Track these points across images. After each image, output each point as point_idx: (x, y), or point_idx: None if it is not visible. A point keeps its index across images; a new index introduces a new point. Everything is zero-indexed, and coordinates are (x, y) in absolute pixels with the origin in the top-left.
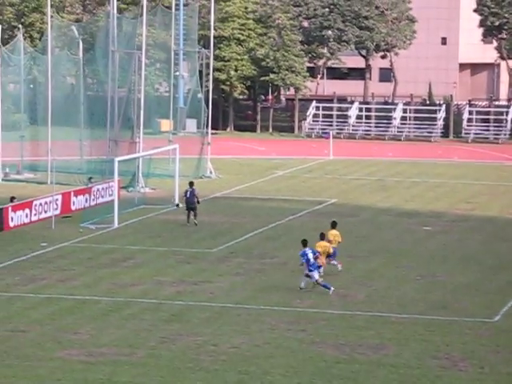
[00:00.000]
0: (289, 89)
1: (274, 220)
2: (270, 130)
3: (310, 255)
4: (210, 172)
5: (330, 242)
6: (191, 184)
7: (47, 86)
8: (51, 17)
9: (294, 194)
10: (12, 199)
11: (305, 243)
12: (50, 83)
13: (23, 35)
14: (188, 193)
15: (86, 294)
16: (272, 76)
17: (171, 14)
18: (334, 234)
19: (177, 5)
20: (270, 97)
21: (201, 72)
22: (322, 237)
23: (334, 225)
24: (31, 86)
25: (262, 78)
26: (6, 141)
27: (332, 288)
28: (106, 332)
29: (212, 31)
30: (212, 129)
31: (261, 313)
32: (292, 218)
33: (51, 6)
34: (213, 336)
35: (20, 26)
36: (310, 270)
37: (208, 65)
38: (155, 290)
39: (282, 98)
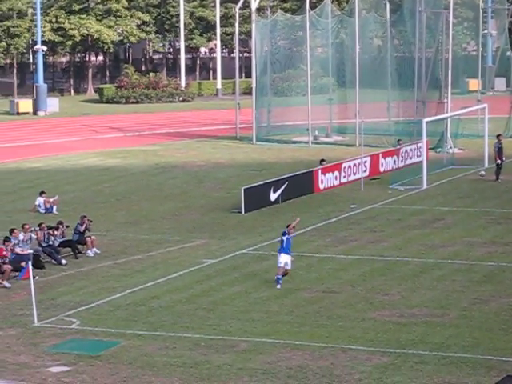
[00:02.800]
0: None
1: None
2: None
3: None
4: None
5: None
6: (498, 136)
7: (355, 48)
8: None
9: None
10: (321, 162)
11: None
12: (358, 46)
13: None
14: (497, 148)
15: (395, 255)
16: None
17: None
18: None
19: None
20: None
21: (510, 30)
22: None
23: None
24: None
25: None
26: (315, 104)
27: (278, 286)
28: (417, 293)
29: None
30: None
31: None
32: None
33: None
34: None
35: None
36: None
37: None
38: (466, 250)
39: None
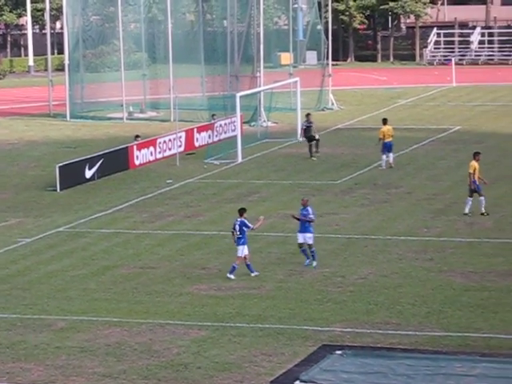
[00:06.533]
0: (409, 16)
1: (397, 150)
2: (391, 58)
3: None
4: (332, 104)
5: (383, 137)
6: (307, 116)
7: (167, 23)
8: None
9: (417, 122)
10: (136, 137)
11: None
12: (170, 21)
13: None
14: (304, 127)
15: (212, 229)
16: (391, 4)
17: None
18: (386, 129)
19: None
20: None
21: (319, 3)
22: (385, 122)
23: (385, 121)
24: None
25: (382, 7)
26: (129, 80)
27: (255, 272)
28: None
29: None
30: (332, 60)
31: (387, 243)
32: (416, 146)
33: None
34: (340, 267)
35: None
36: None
37: None
38: (281, 223)
39: (403, 26)
